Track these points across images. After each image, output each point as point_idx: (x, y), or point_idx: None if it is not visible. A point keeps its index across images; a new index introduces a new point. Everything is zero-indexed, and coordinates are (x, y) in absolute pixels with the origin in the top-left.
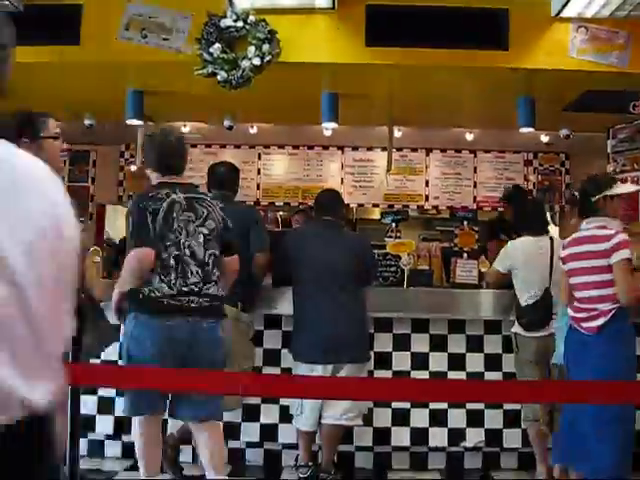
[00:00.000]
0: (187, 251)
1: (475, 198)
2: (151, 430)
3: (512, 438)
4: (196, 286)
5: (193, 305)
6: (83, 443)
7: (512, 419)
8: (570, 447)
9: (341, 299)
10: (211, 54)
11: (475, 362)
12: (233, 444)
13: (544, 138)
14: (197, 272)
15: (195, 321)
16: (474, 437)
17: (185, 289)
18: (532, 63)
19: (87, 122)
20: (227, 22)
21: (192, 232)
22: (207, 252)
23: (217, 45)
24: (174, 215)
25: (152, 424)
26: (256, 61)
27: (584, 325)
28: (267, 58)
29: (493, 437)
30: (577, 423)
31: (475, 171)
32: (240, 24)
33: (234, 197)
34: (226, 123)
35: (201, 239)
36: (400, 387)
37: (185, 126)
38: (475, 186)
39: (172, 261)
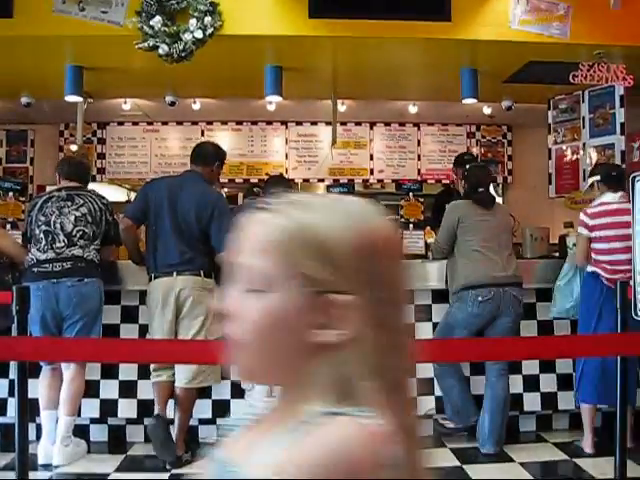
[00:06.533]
0: (58, 226)
1: (419, 171)
2: None
3: None
4: (60, 249)
5: (56, 269)
6: None
7: None
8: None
9: None
10: (152, 27)
11: (424, 331)
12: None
13: (486, 110)
14: (63, 240)
15: (59, 282)
16: (425, 405)
17: (52, 254)
18: (474, 34)
19: (24, 100)
20: None
21: (65, 213)
22: (76, 228)
23: (158, 18)
24: (49, 204)
25: None
26: (198, 34)
27: None
28: (209, 31)
29: (444, 405)
30: (608, 366)
31: (419, 144)
32: None
33: (209, 176)
34: (168, 99)
35: (72, 218)
36: None
37: (126, 103)
38: (419, 159)
39: (42, 235)
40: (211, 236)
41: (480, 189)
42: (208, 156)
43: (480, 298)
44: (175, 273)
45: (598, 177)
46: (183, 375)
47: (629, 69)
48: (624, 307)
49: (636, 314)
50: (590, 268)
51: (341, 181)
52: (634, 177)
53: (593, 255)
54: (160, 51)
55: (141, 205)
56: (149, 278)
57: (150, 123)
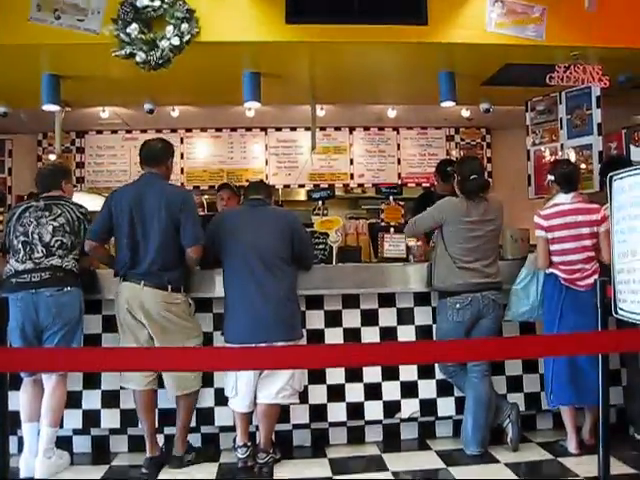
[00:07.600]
0: (36, 236)
1: (399, 175)
2: None
3: (446, 407)
4: (39, 259)
5: (34, 280)
6: None
7: (445, 388)
8: (578, 387)
9: (269, 278)
10: (128, 35)
11: (407, 334)
12: (170, 430)
13: (465, 113)
14: (42, 250)
15: (38, 292)
16: (409, 408)
17: (30, 265)
18: (451, 38)
19: (1, 110)
20: (144, 1)
21: (43, 223)
22: (54, 238)
23: (134, 25)
24: (27, 214)
25: None
26: (175, 41)
27: (580, 283)
28: (186, 37)
29: (428, 407)
30: (578, 365)
31: (398, 148)
32: (157, 3)
33: (165, 174)
34: (146, 107)
35: (50, 228)
36: (335, 353)
37: (104, 111)
38: (399, 163)
39: (20, 245)
40: (180, 231)
41: (473, 176)
42: (159, 155)
43: (458, 305)
44: (142, 283)
45: (552, 177)
46: (175, 384)
47: (605, 70)
48: (604, 306)
49: (616, 312)
50: (548, 270)
51: (322, 186)
52: (611, 176)
53: (550, 257)
54: (137, 59)
55: (104, 222)
56: (120, 279)
57: (129, 131)
